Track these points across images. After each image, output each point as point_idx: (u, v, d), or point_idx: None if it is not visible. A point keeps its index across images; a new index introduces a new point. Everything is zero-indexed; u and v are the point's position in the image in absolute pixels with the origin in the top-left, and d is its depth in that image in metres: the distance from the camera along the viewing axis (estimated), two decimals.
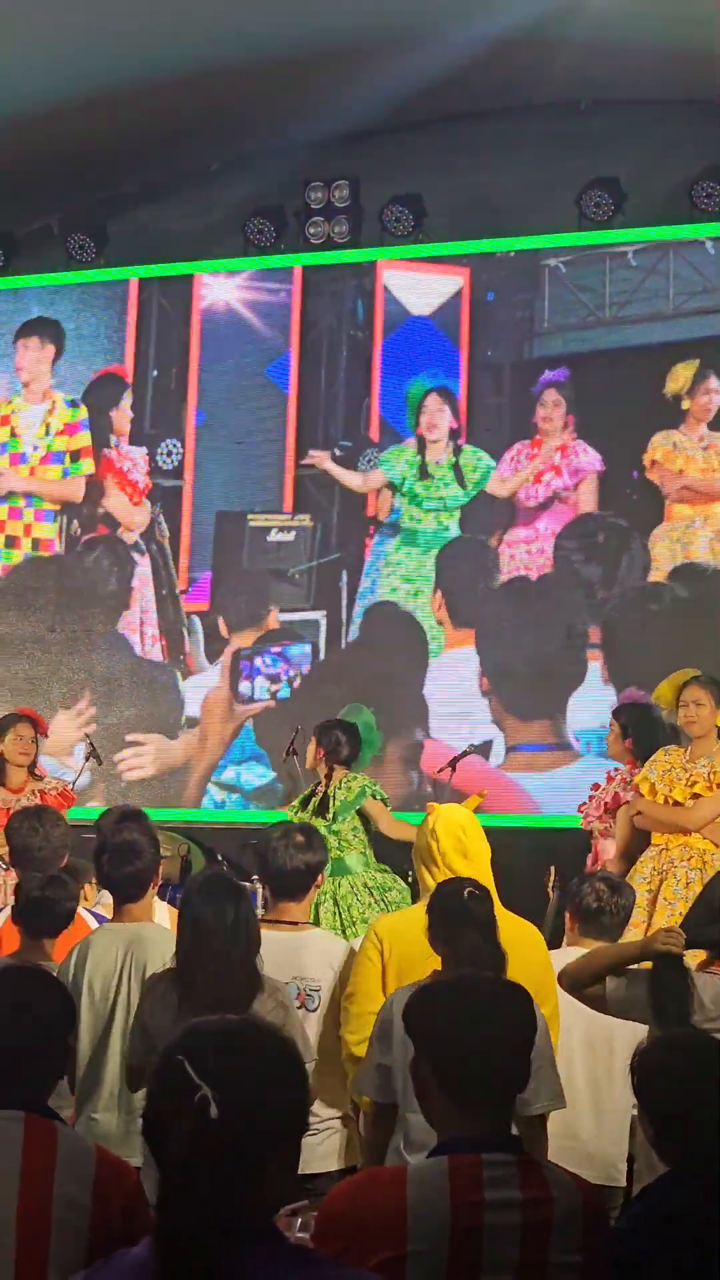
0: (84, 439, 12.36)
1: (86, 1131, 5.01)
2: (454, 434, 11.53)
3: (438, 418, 11.60)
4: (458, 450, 11.49)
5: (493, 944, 4.73)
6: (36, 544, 12.37)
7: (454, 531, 11.45)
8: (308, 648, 11.60)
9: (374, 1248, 3.05)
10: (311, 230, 11.93)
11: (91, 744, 10.75)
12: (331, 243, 11.92)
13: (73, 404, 12.44)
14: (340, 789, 8.83)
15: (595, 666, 10.93)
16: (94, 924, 5.97)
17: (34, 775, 9.34)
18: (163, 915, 6.01)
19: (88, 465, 12.30)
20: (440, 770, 9.75)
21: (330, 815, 8.73)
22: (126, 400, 12.28)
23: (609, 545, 11.07)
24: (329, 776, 8.91)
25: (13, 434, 12.56)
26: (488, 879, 5.41)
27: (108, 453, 12.26)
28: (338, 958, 5.61)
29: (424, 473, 11.55)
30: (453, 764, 9.71)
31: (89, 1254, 3.23)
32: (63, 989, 3.77)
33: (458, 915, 4.83)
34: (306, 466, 11.77)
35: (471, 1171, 3.11)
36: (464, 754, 9.86)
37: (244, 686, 11.68)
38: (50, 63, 11.01)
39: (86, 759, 10.75)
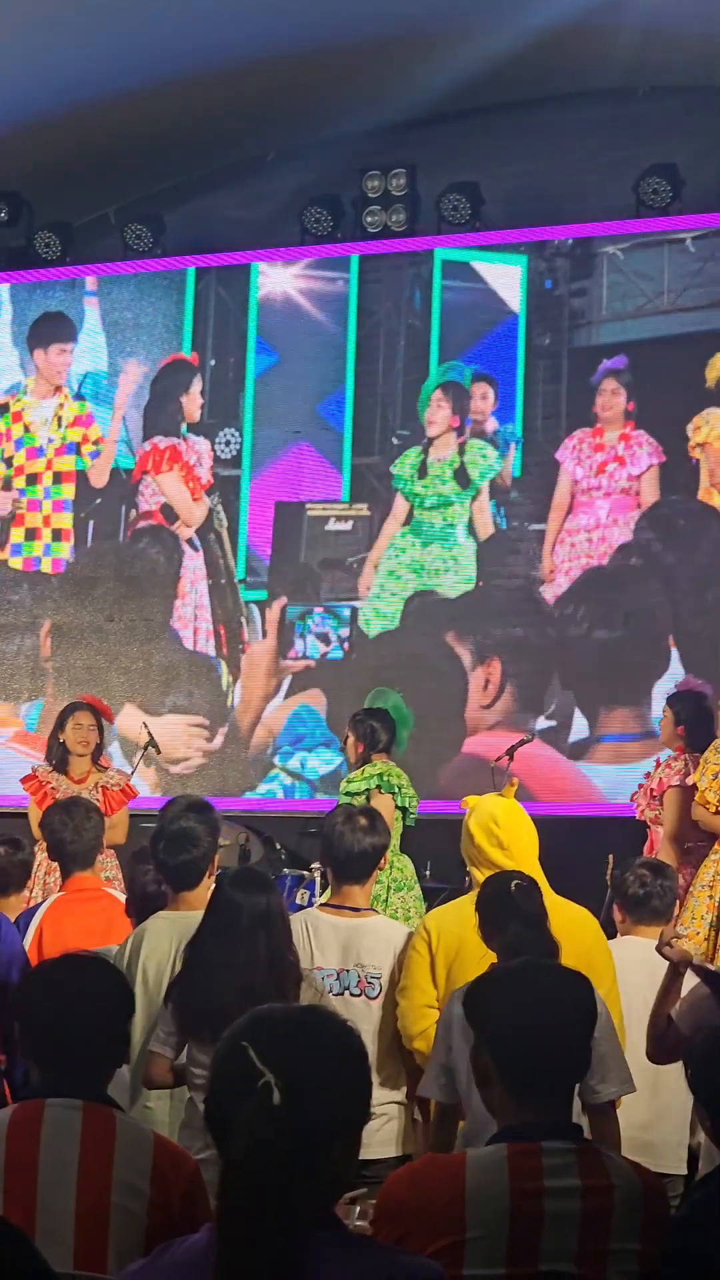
0: (96, 431, 12.43)
1: (140, 1119, 5.01)
2: (458, 430, 11.52)
3: (436, 414, 11.59)
4: (462, 449, 11.47)
5: (539, 934, 4.72)
6: (58, 534, 12.40)
7: (461, 529, 11.43)
8: (347, 611, 11.62)
9: (433, 1234, 3.04)
10: (368, 219, 11.91)
11: (150, 734, 10.66)
12: (389, 231, 11.89)
13: (79, 398, 12.50)
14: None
15: (678, 654, 10.88)
16: None
17: (98, 766, 9.20)
18: None
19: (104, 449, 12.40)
20: (499, 758, 9.72)
21: None
22: (196, 385, 12.28)
23: (687, 530, 11.01)
24: (364, 766, 8.85)
25: (26, 430, 12.61)
26: (531, 867, 5.40)
27: (177, 442, 12.26)
28: (400, 944, 5.59)
29: (423, 471, 11.55)
30: (510, 752, 9.66)
31: (149, 1241, 3.24)
32: (121, 977, 3.78)
33: (501, 909, 4.85)
34: (363, 460, 11.79)
35: (531, 1159, 3.10)
36: (523, 741, 9.81)
37: (298, 644, 11.70)
38: (106, 53, 11.02)
39: (145, 748, 10.67)
